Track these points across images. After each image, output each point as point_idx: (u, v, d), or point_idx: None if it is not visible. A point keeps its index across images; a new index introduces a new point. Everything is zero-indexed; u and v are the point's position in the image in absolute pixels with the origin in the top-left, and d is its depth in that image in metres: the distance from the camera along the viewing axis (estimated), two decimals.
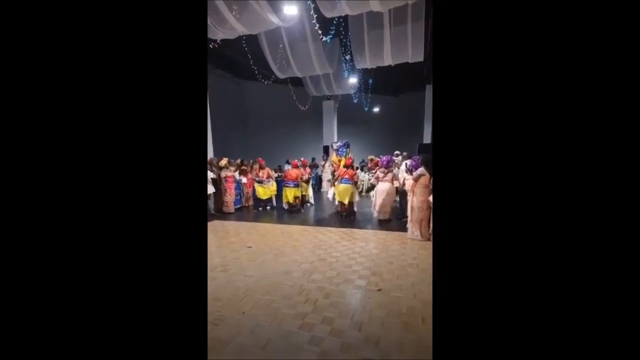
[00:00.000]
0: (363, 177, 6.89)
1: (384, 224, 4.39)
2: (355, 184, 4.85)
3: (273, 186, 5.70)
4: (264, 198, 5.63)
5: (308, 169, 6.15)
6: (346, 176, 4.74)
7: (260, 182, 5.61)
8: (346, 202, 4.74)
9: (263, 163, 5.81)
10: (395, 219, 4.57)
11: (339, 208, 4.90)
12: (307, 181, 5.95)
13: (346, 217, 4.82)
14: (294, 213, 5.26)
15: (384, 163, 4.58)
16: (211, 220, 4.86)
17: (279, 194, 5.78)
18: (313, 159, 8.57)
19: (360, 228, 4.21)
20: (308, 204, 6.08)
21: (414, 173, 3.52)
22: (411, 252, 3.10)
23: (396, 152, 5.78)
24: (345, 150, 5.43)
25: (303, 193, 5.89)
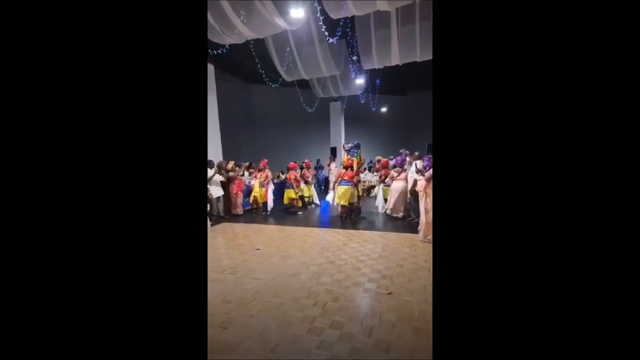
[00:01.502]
0: (371, 178, 6.82)
1: (395, 225, 4.33)
2: (356, 185, 4.84)
3: (265, 190, 5.48)
4: (263, 202, 5.50)
5: (311, 171, 6.18)
6: (345, 177, 4.76)
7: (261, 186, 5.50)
8: (346, 203, 4.74)
9: (263, 164, 5.64)
10: (404, 218, 4.53)
11: (339, 210, 4.88)
12: (309, 183, 5.99)
13: (346, 217, 4.79)
14: (291, 214, 5.31)
15: (399, 162, 4.64)
16: (220, 222, 4.91)
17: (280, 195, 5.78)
18: (318, 160, 8.55)
19: (369, 229, 4.15)
20: (312, 205, 6.11)
21: (426, 174, 3.45)
22: (422, 255, 3.02)
23: (401, 151, 5.73)
24: (356, 151, 5.46)
25: (306, 195, 5.92)
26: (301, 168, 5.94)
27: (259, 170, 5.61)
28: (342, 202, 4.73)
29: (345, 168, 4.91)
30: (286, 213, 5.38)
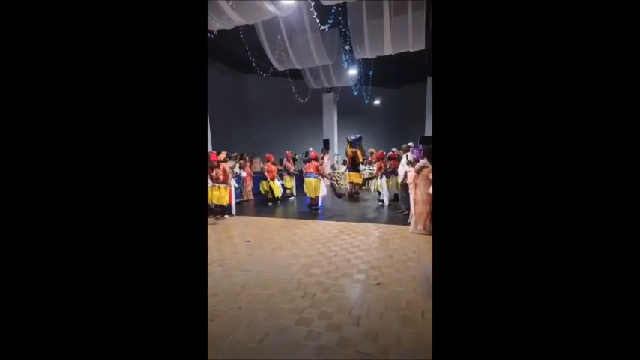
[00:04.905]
0: (363, 170, 6.84)
1: (386, 217, 4.38)
2: (323, 177, 4.92)
3: (227, 189, 4.55)
4: (218, 204, 4.46)
5: (292, 163, 6.22)
6: (310, 170, 4.80)
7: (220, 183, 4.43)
8: (313, 195, 4.80)
9: (213, 159, 4.52)
10: (394, 210, 4.59)
11: (310, 202, 4.98)
12: (291, 174, 6.06)
13: (315, 210, 4.87)
14: (268, 203, 5.58)
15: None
16: (210, 214, 4.83)
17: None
18: (306, 153, 8.47)
19: (360, 221, 4.17)
20: (293, 197, 6.18)
21: (416, 165, 3.46)
22: (412, 245, 3.06)
23: (393, 149, 5.86)
24: (357, 143, 5.65)
25: (288, 187, 6.03)
26: (282, 160, 5.97)
27: (211, 168, 4.45)
28: (310, 195, 4.81)
29: (309, 160, 4.99)
30: (265, 204, 5.46)
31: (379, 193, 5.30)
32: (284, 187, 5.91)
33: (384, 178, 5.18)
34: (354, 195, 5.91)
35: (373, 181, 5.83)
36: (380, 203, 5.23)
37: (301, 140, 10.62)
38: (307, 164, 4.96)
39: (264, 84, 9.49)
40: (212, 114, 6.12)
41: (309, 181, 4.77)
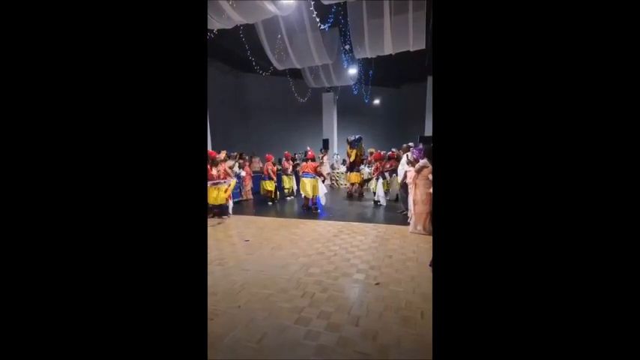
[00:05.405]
0: (363, 170, 6.86)
1: (385, 217, 4.38)
2: (320, 175, 4.91)
3: (230, 185, 4.52)
4: (217, 204, 4.36)
5: (290, 162, 6.22)
6: (307, 170, 4.81)
7: (216, 184, 4.32)
8: (310, 195, 4.81)
9: (216, 157, 4.52)
10: (393, 210, 4.59)
11: (304, 202, 4.99)
12: (289, 174, 6.08)
13: (310, 209, 4.89)
14: (268, 202, 5.67)
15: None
16: (209, 213, 4.83)
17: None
18: (306, 152, 8.48)
19: (360, 221, 4.17)
20: (291, 197, 6.20)
21: (416, 165, 3.46)
22: (411, 246, 3.06)
23: (393, 149, 5.89)
24: (357, 144, 5.72)
25: (287, 187, 6.06)
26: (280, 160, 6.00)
27: (213, 165, 4.36)
28: (307, 194, 4.83)
29: (305, 160, 5.00)
30: (264, 204, 5.48)
31: (374, 194, 5.30)
32: (281, 187, 5.94)
33: (380, 179, 5.18)
34: (355, 194, 5.93)
35: (371, 181, 5.85)
36: (378, 203, 5.23)
37: (301, 140, 10.62)
38: (304, 164, 4.98)
39: (264, 83, 9.50)
40: (212, 113, 6.14)
41: (305, 181, 4.80)
